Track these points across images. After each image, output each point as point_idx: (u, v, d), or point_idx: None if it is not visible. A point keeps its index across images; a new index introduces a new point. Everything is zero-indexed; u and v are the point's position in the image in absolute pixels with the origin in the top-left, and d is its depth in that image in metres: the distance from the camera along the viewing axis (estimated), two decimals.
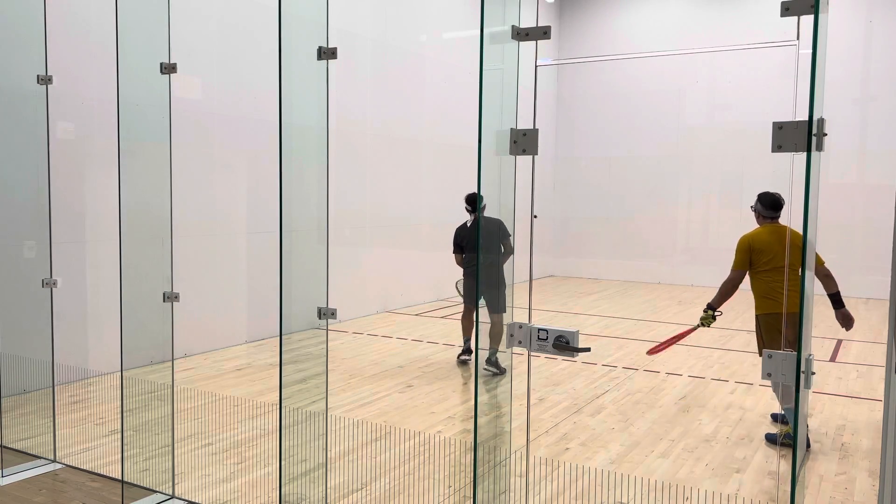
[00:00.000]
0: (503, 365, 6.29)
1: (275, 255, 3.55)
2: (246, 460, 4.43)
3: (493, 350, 6.42)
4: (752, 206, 5.36)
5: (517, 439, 2.82)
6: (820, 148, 1.90)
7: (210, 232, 7.42)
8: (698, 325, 5.11)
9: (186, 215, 6.87)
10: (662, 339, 5.25)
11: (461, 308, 9.79)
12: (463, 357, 7.23)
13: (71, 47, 5.99)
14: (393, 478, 4.19)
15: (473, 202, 7.09)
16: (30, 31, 4.34)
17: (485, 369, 6.44)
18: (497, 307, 5.67)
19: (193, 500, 3.86)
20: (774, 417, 5.31)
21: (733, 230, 12.53)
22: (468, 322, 7.16)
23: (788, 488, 2.13)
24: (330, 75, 3.31)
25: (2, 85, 4.88)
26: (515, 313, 2.50)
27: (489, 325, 5.86)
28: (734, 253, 5.15)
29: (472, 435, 2.72)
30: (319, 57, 3.25)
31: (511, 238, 6.58)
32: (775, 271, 5.02)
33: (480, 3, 2.31)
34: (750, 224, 5.57)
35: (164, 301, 3.73)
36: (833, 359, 7.40)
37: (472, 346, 7.03)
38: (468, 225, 7.04)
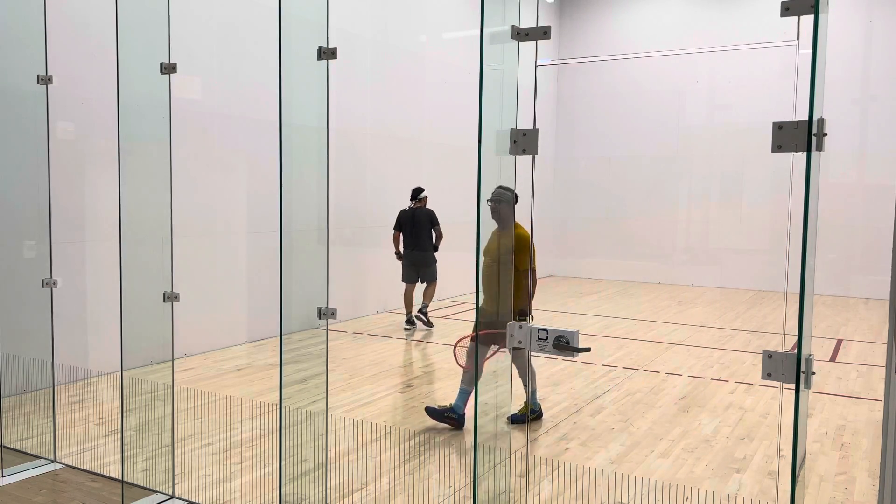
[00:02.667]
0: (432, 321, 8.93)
1: (275, 255, 3.56)
2: (246, 460, 4.43)
3: (426, 305, 8.85)
4: (508, 200, 5.20)
5: (517, 439, 2.83)
6: (820, 148, 1.90)
7: (210, 232, 7.42)
8: None
9: (186, 215, 6.87)
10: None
11: (461, 308, 10.15)
12: (407, 328, 8.76)
13: (71, 47, 5.99)
14: (393, 478, 4.19)
15: (415, 194, 8.83)
16: (30, 31, 4.34)
17: (417, 317, 8.75)
18: (433, 278, 8.81)
19: (193, 500, 3.86)
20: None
21: (733, 230, 12.64)
22: (410, 298, 8.81)
23: (788, 488, 2.13)
24: (330, 75, 3.31)
25: (2, 85, 4.88)
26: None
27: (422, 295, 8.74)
28: (526, 252, 4.87)
29: (473, 435, 2.73)
30: (319, 57, 3.25)
31: (439, 225, 8.75)
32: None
33: (480, 3, 2.31)
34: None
35: (164, 301, 3.73)
36: (833, 359, 7.40)
37: (414, 318, 8.78)
38: (408, 209, 8.78)
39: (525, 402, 5.06)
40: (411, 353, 7.68)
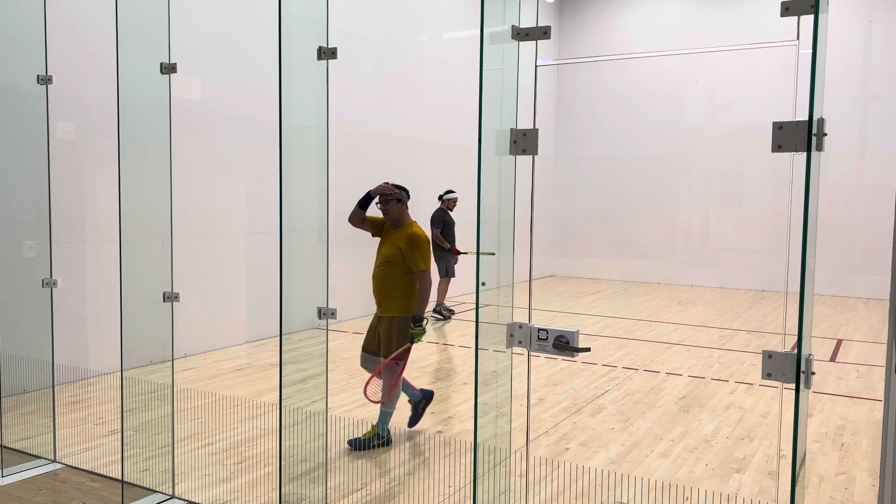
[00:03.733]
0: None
1: (275, 255, 3.56)
2: (246, 460, 4.43)
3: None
4: (395, 199, 4.65)
5: (517, 439, 2.83)
6: (820, 148, 1.90)
7: (210, 232, 7.42)
8: (411, 344, 4.59)
9: (186, 215, 6.87)
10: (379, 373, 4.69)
11: (460, 308, 10.24)
12: (437, 315, 9.54)
13: (71, 47, 5.99)
14: (393, 478, 4.19)
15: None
16: (30, 31, 4.34)
17: (433, 315, 9.41)
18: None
19: (193, 500, 3.86)
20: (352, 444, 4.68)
21: (733, 230, 12.64)
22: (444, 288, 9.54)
23: (788, 488, 2.13)
24: (330, 75, 3.31)
25: (2, 85, 4.88)
26: (515, 313, 2.50)
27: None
28: (425, 252, 4.61)
29: (472, 435, 2.72)
30: (319, 57, 3.25)
31: (433, 226, 9.32)
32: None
33: (480, 3, 2.31)
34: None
35: (164, 301, 3.73)
36: (833, 359, 7.40)
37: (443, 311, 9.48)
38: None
39: (373, 426, 4.70)
40: (411, 353, 7.67)
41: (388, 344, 4.63)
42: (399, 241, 4.61)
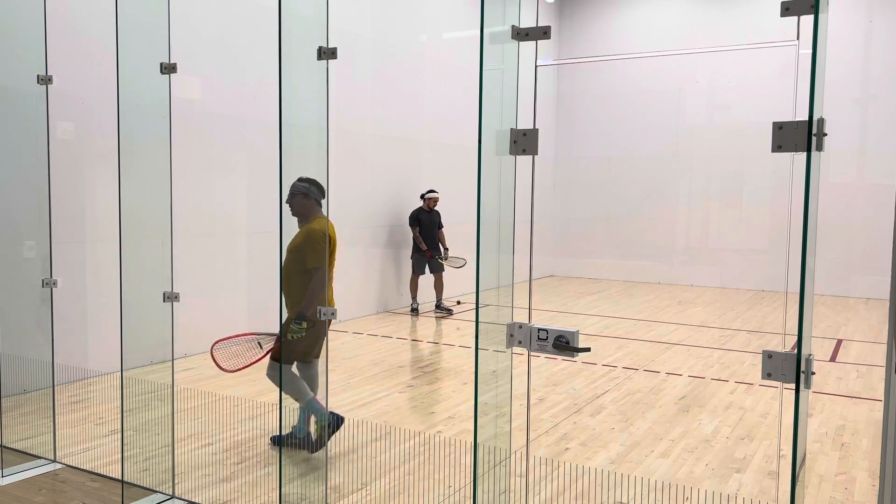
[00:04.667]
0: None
1: (275, 255, 3.56)
2: (246, 460, 4.43)
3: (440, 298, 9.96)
4: (305, 192, 4.34)
5: (517, 439, 2.83)
6: (820, 148, 1.90)
7: (210, 232, 7.42)
8: (282, 337, 4.28)
9: (186, 215, 6.86)
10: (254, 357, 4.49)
11: (461, 308, 10.27)
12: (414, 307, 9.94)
13: (71, 47, 5.99)
14: (393, 478, 4.19)
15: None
16: (30, 31, 4.34)
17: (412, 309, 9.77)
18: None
19: (193, 500, 3.86)
20: (275, 440, 4.66)
21: (733, 230, 12.64)
22: (414, 285, 9.95)
23: (788, 488, 2.13)
24: (330, 75, 3.31)
25: (2, 85, 4.88)
26: (515, 313, 2.50)
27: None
28: (311, 248, 4.32)
29: (472, 435, 2.72)
30: (319, 57, 3.25)
31: (411, 225, 9.88)
32: (329, 268, 4.34)
33: (480, 3, 2.31)
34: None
35: (164, 301, 3.73)
36: (833, 359, 7.40)
37: (416, 306, 9.92)
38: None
39: (314, 422, 4.51)
40: (411, 353, 7.68)
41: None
42: (299, 235, 4.37)
